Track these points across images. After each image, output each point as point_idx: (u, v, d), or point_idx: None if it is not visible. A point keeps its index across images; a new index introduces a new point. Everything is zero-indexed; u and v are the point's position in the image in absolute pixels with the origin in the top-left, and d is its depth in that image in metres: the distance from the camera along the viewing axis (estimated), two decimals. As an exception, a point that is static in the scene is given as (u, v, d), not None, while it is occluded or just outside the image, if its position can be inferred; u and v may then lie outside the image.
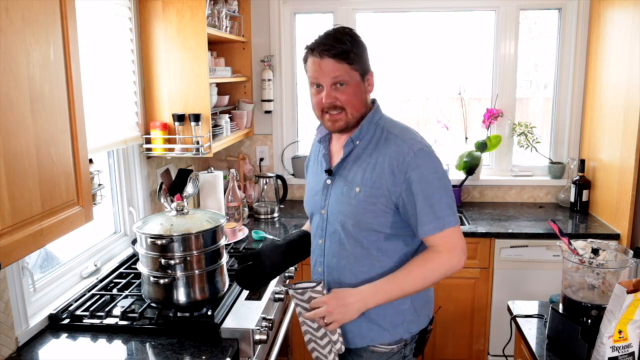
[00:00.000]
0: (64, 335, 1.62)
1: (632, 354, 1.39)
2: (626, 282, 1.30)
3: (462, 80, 3.25)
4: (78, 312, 1.70)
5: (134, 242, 2.09)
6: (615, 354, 1.37)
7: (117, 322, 1.65)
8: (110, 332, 1.63)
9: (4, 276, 1.51)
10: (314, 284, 1.44)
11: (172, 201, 1.78)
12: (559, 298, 1.59)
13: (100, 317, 1.67)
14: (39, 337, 1.60)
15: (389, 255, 1.47)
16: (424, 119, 3.39)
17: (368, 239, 1.46)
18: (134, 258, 2.14)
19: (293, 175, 3.27)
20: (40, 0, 1.14)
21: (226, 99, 2.77)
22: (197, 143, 2.26)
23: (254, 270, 1.57)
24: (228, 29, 2.75)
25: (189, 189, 1.89)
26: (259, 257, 1.58)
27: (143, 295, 1.73)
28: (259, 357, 1.73)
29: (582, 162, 2.95)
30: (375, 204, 1.43)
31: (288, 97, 3.24)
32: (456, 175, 3.16)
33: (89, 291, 1.85)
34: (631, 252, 1.49)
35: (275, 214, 3.01)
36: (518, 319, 1.76)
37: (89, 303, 1.77)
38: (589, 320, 1.47)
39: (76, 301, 1.77)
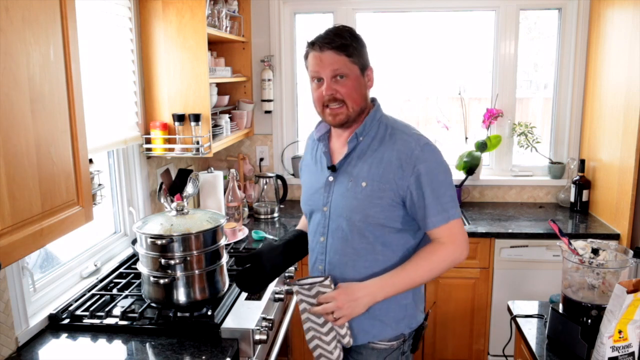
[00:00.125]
0: (64, 335, 1.62)
1: (632, 354, 1.39)
2: (626, 282, 1.30)
3: (462, 80, 3.24)
4: (78, 312, 1.70)
5: (134, 242, 2.09)
6: (615, 354, 1.37)
7: (117, 322, 1.65)
8: (110, 332, 1.63)
9: (4, 276, 1.51)
10: (321, 279, 1.45)
11: (172, 201, 1.78)
12: (559, 298, 1.59)
13: (100, 317, 1.67)
14: (39, 337, 1.60)
15: (393, 249, 1.49)
16: (424, 119, 3.39)
17: (374, 234, 1.47)
18: (134, 258, 2.14)
19: (293, 175, 3.27)
20: (40, 0, 1.14)
21: (226, 99, 2.77)
22: (197, 143, 2.26)
23: (254, 272, 1.57)
24: (228, 29, 2.75)
25: (189, 189, 1.89)
26: (259, 258, 1.58)
27: (143, 295, 1.74)
28: (259, 357, 1.73)
29: (582, 162, 2.95)
30: (382, 197, 1.44)
31: (288, 97, 3.24)
32: (456, 175, 3.13)
33: (89, 291, 1.85)
34: (631, 252, 1.49)
35: (275, 214, 3.01)
36: (518, 319, 1.76)
37: (89, 303, 1.77)
38: (589, 320, 1.47)
39: (76, 301, 1.77)
